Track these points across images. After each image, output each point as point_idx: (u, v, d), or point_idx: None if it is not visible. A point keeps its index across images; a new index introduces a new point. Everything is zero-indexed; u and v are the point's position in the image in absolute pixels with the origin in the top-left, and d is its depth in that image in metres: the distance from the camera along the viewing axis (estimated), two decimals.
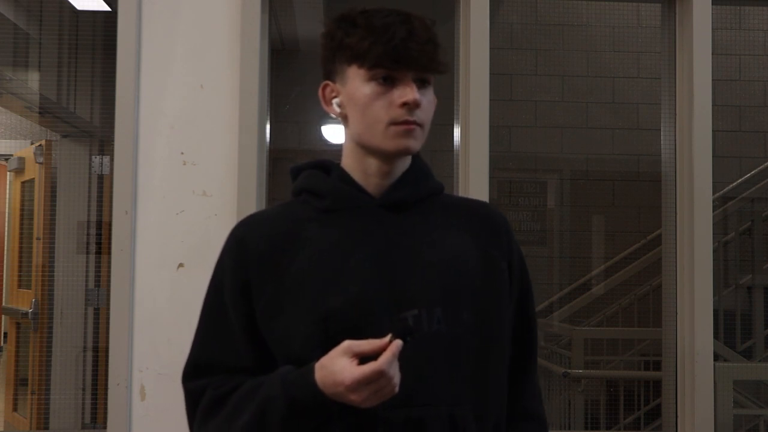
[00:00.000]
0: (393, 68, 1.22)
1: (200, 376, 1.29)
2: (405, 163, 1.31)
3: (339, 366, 1.11)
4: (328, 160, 1.35)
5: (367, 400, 1.11)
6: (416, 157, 1.34)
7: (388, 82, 1.23)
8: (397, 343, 1.09)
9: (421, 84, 1.25)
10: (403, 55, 1.21)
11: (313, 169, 1.34)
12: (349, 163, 1.31)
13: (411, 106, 1.22)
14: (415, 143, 1.24)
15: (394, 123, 1.22)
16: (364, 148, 1.27)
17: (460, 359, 1.23)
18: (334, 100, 1.29)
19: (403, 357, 1.10)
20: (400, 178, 1.30)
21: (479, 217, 1.35)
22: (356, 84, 1.24)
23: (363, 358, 1.11)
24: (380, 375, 1.08)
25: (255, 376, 1.24)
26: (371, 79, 1.23)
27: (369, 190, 1.29)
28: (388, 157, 1.27)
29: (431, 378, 1.20)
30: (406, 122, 1.22)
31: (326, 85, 1.30)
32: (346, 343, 1.12)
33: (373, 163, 1.28)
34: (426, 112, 1.26)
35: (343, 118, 1.29)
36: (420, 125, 1.24)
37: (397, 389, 1.11)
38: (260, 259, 1.26)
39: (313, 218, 1.28)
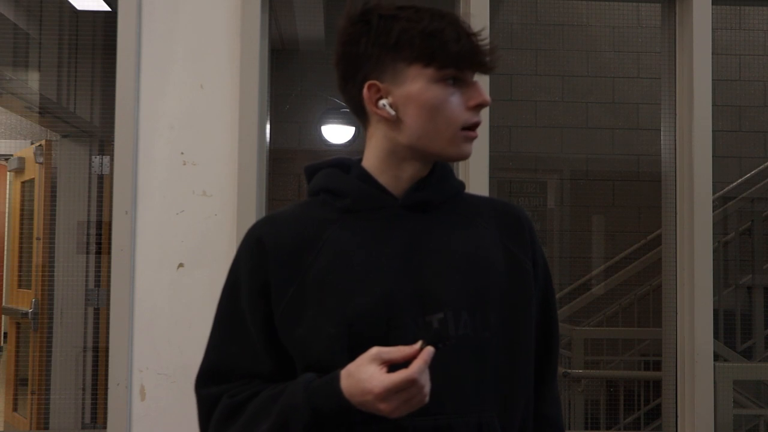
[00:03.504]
0: (462, 68, 1.17)
1: (215, 383, 1.23)
2: None
3: (367, 374, 1.06)
4: (345, 158, 1.29)
5: (396, 410, 1.05)
6: None
7: (455, 83, 1.18)
8: (429, 350, 1.04)
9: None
10: (476, 55, 1.17)
11: (331, 168, 1.27)
12: (375, 164, 1.24)
13: (481, 107, 1.19)
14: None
15: (467, 127, 1.19)
16: (416, 151, 1.21)
17: (488, 364, 1.18)
18: (382, 102, 1.20)
19: (430, 364, 1.06)
20: (422, 179, 1.24)
21: (503, 216, 1.30)
22: (420, 85, 1.17)
23: (392, 366, 1.06)
24: (412, 383, 1.03)
25: (273, 383, 1.19)
26: (440, 79, 1.17)
27: (390, 191, 1.23)
28: (443, 161, 1.24)
29: (458, 384, 1.16)
30: (474, 126, 1.20)
31: (372, 85, 1.20)
32: (375, 350, 1.07)
33: (410, 169, 1.23)
34: None
35: (391, 121, 1.20)
36: None
37: (427, 399, 1.06)
38: (280, 259, 1.20)
39: (333, 219, 1.23)
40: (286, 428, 1.12)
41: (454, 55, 1.15)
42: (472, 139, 1.20)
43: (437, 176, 1.26)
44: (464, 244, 1.23)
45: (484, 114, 2.56)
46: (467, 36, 1.16)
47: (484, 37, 1.18)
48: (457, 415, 1.15)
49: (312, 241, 1.21)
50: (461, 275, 1.20)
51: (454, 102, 1.18)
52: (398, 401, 1.05)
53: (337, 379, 1.09)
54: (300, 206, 1.28)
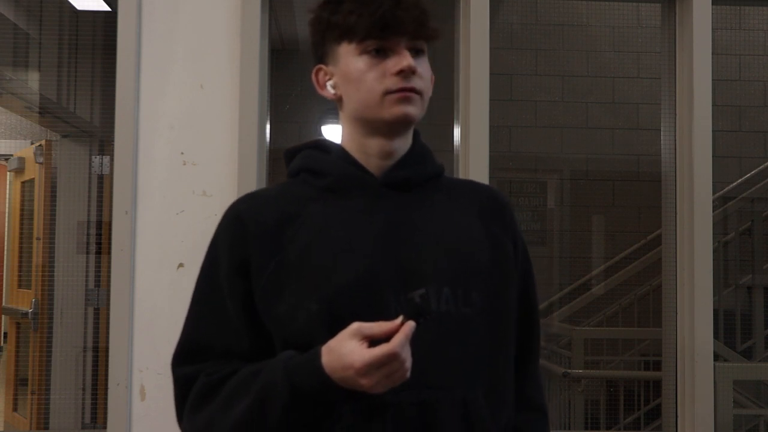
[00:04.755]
0: (383, 37, 1.19)
1: (192, 362, 1.22)
2: (406, 143, 1.27)
3: (348, 349, 1.05)
4: (324, 140, 1.31)
5: (377, 385, 1.05)
6: (417, 138, 1.30)
7: (381, 53, 1.20)
8: (410, 324, 1.04)
9: (415, 53, 1.21)
10: (391, 22, 1.18)
11: (311, 149, 1.30)
12: (347, 145, 1.27)
13: (406, 73, 1.18)
14: (415, 110, 1.20)
15: (389, 92, 1.19)
16: (364, 124, 1.23)
17: (470, 340, 1.18)
18: (328, 83, 1.26)
19: (413, 337, 1.05)
20: (401, 159, 1.25)
21: (484, 197, 1.32)
22: (348, 60, 1.21)
23: (373, 342, 1.05)
24: (393, 358, 1.03)
25: (252, 362, 1.17)
26: (363, 52, 1.20)
27: (371, 171, 1.24)
28: (389, 131, 1.23)
29: (441, 360, 1.15)
30: (402, 89, 1.18)
31: (319, 69, 1.27)
32: (356, 325, 1.06)
33: (374, 144, 1.24)
34: (424, 81, 1.22)
35: (338, 100, 1.26)
36: (419, 92, 1.21)
37: (408, 374, 1.06)
38: (260, 236, 1.19)
39: (314, 197, 1.23)
40: (264, 407, 1.11)
41: (368, 27, 1.18)
42: (404, 99, 1.19)
43: (416, 156, 1.27)
44: (446, 222, 1.24)
45: (484, 114, 2.56)
46: (389, 7, 1.18)
47: (414, 4, 1.20)
48: (441, 390, 1.15)
49: (292, 217, 1.21)
50: (443, 252, 1.20)
51: (377, 71, 1.19)
52: (379, 376, 1.04)
53: (317, 355, 1.08)
54: (280, 186, 1.29)
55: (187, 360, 1.23)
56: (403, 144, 1.26)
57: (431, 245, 1.20)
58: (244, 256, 1.20)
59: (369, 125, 1.23)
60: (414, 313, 1.07)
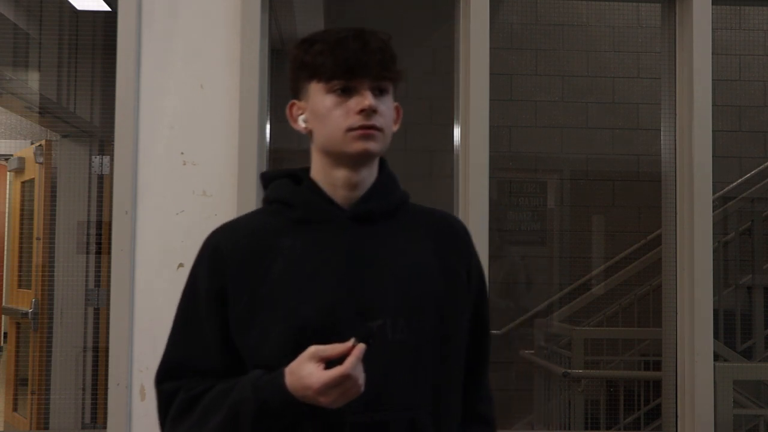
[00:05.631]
0: (348, 78, 1.29)
1: (173, 379, 1.35)
2: (372, 174, 1.37)
3: (307, 371, 1.18)
4: (298, 169, 1.42)
5: (335, 402, 1.18)
6: (383, 168, 1.40)
7: (346, 92, 1.30)
8: (361, 346, 1.17)
9: (379, 93, 1.32)
10: (356, 65, 1.28)
11: (285, 178, 1.40)
12: (317, 176, 1.37)
13: (367, 112, 1.29)
14: (375, 146, 1.31)
15: (351, 129, 1.29)
16: (331, 157, 1.33)
17: (422, 367, 1.31)
18: (300, 117, 1.37)
19: (369, 364, 1.18)
20: (368, 191, 1.36)
21: (441, 226, 1.43)
22: (317, 98, 1.32)
23: (329, 362, 1.18)
24: (346, 378, 1.16)
25: (226, 378, 1.30)
26: (329, 91, 1.31)
27: (338, 202, 1.35)
28: (353, 164, 1.33)
29: (395, 384, 1.28)
30: (362, 127, 1.29)
31: (293, 104, 1.39)
32: (312, 349, 1.19)
33: (340, 175, 1.34)
34: (385, 118, 1.32)
35: (309, 134, 1.37)
36: (380, 129, 1.31)
37: (362, 389, 1.18)
38: (236, 266, 1.32)
39: (285, 228, 1.35)
40: (236, 420, 1.25)
41: (334, 68, 1.29)
42: (365, 136, 1.30)
43: (381, 187, 1.38)
44: (403, 254, 1.36)
45: (484, 114, 2.56)
46: (354, 51, 1.29)
47: (379, 48, 1.31)
48: (393, 411, 1.28)
49: (266, 250, 1.33)
50: (399, 284, 1.32)
51: (342, 109, 1.30)
52: (336, 394, 1.17)
53: (281, 375, 1.22)
54: (255, 215, 1.42)
55: (168, 377, 1.36)
56: (368, 175, 1.36)
57: (390, 277, 1.32)
58: (222, 284, 1.32)
59: (335, 158, 1.33)
60: (364, 336, 1.18)
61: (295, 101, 1.39)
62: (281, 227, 1.35)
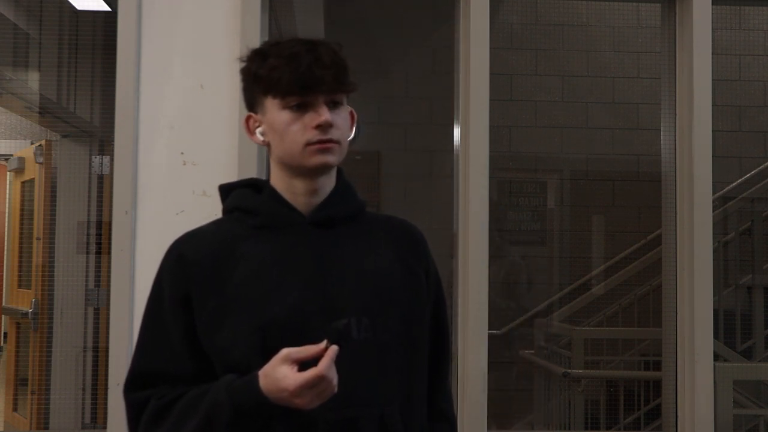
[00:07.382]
0: (303, 94, 1.31)
1: (142, 387, 1.36)
2: (330, 182, 1.40)
3: (281, 374, 1.20)
4: (257, 179, 1.45)
5: (310, 403, 1.21)
6: (341, 177, 1.43)
7: (302, 107, 1.32)
8: (334, 348, 1.19)
9: (334, 105, 1.34)
10: (309, 81, 1.30)
11: (245, 188, 1.43)
12: (278, 184, 1.39)
13: (324, 127, 1.31)
14: (333, 158, 1.34)
15: (309, 143, 1.32)
16: (289, 168, 1.36)
17: (387, 363, 1.35)
18: (258, 130, 1.39)
19: (337, 362, 1.20)
20: (327, 197, 1.39)
21: (399, 231, 1.47)
22: (273, 113, 1.34)
23: (302, 364, 1.20)
24: (321, 379, 1.18)
25: (197, 384, 1.31)
26: (285, 107, 1.33)
27: (299, 209, 1.38)
28: (311, 174, 1.36)
29: (362, 381, 1.31)
30: (320, 141, 1.32)
31: (249, 117, 1.40)
32: (285, 351, 1.21)
33: (299, 184, 1.37)
34: (341, 130, 1.35)
35: (267, 146, 1.39)
36: (336, 142, 1.34)
37: (336, 389, 1.21)
38: (200, 274, 1.34)
39: (247, 235, 1.37)
40: (211, 424, 1.27)
41: (289, 85, 1.31)
42: (323, 150, 1.33)
43: (339, 195, 1.41)
44: (365, 256, 1.39)
45: (484, 114, 2.56)
46: (308, 65, 1.30)
47: (331, 62, 1.32)
48: (363, 407, 1.31)
49: (228, 256, 1.35)
50: (363, 285, 1.36)
51: (298, 124, 1.32)
52: (311, 395, 1.20)
53: (256, 378, 1.24)
54: (216, 224, 1.44)
55: (138, 386, 1.37)
56: (327, 182, 1.40)
57: (352, 278, 1.36)
58: (186, 291, 1.34)
59: (294, 169, 1.36)
60: (337, 338, 1.21)
61: (251, 114, 1.40)
62: (244, 234, 1.37)
